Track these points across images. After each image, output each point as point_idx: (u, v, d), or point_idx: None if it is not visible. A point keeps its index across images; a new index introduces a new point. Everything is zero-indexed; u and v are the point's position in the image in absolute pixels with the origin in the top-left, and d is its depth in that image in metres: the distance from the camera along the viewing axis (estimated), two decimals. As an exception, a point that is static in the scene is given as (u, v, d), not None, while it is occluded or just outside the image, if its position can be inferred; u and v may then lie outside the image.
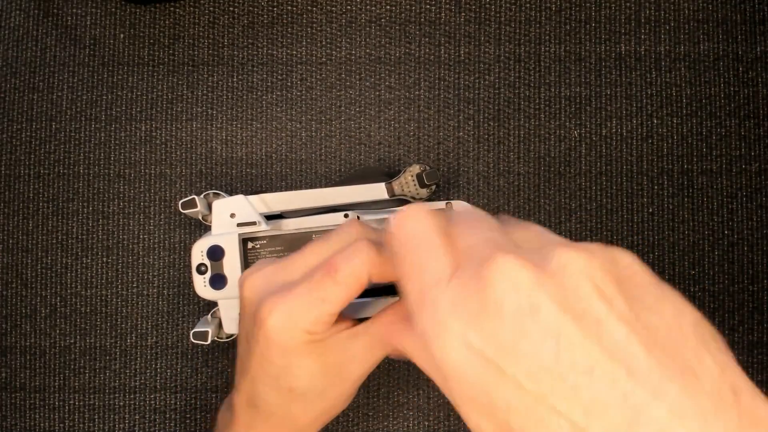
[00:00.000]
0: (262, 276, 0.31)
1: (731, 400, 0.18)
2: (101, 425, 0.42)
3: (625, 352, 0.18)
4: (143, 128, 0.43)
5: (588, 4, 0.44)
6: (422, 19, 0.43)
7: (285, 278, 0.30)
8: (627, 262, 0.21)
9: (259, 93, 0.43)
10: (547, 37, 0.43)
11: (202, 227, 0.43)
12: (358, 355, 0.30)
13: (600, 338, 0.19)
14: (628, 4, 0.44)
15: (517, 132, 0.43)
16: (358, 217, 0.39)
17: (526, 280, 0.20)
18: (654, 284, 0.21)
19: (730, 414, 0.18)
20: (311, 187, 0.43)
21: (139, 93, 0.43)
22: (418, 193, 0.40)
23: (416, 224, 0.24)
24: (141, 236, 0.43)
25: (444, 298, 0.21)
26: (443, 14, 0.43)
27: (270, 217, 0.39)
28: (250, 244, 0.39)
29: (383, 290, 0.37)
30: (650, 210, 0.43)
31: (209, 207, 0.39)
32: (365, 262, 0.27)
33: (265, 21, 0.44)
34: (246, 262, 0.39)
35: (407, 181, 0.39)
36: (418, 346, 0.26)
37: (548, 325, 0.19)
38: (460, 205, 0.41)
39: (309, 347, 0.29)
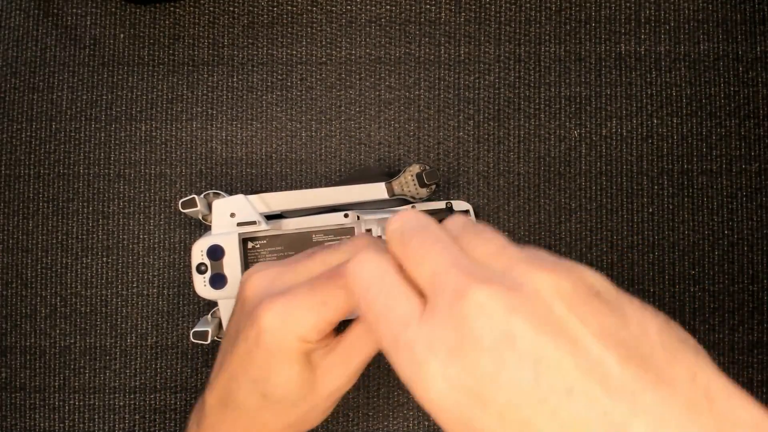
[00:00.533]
0: (264, 277, 0.30)
1: (706, 407, 0.18)
2: (101, 425, 0.42)
3: (600, 369, 0.19)
4: (143, 128, 0.43)
5: (588, 4, 0.44)
6: (422, 19, 0.43)
7: (288, 281, 0.30)
8: (593, 279, 0.21)
9: (259, 93, 0.43)
10: (547, 37, 0.43)
11: (202, 227, 0.43)
12: (333, 369, 0.29)
13: (576, 357, 0.19)
14: (628, 4, 0.44)
15: (517, 132, 0.43)
16: (358, 217, 0.39)
17: (500, 308, 0.20)
18: (617, 298, 0.21)
19: (706, 421, 0.18)
20: (311, 187, 0.43)
21: (139, 93, 0.43)
22: (417, 193, 0.40)
23: (370, 270, 0.24)
24: (141, 236, 0.43)
25: (418, 339, 0.21)
26: (443, 14, 0.43)
27: (270, 217, 0.39)
28: (250, 244, 0.39)
29: None
30: (650, 210, 0.43)
31: (209, 207, 0.39)
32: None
33: (265, 21, 0.44)
34: (246, 262, 0.39)
35: (407, 180, 0.39)
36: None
37: (525, 350, 0.19)
38: (461, 205, 0.41)
39: (295, 356, 0.28)
